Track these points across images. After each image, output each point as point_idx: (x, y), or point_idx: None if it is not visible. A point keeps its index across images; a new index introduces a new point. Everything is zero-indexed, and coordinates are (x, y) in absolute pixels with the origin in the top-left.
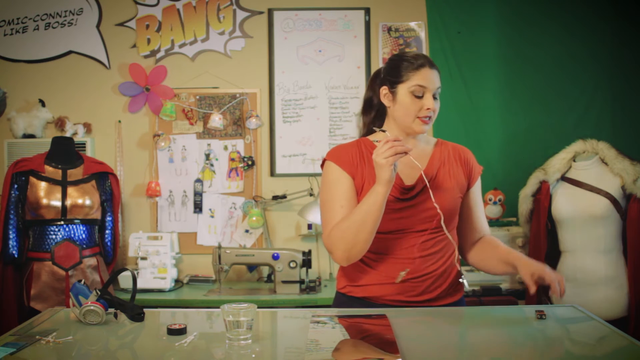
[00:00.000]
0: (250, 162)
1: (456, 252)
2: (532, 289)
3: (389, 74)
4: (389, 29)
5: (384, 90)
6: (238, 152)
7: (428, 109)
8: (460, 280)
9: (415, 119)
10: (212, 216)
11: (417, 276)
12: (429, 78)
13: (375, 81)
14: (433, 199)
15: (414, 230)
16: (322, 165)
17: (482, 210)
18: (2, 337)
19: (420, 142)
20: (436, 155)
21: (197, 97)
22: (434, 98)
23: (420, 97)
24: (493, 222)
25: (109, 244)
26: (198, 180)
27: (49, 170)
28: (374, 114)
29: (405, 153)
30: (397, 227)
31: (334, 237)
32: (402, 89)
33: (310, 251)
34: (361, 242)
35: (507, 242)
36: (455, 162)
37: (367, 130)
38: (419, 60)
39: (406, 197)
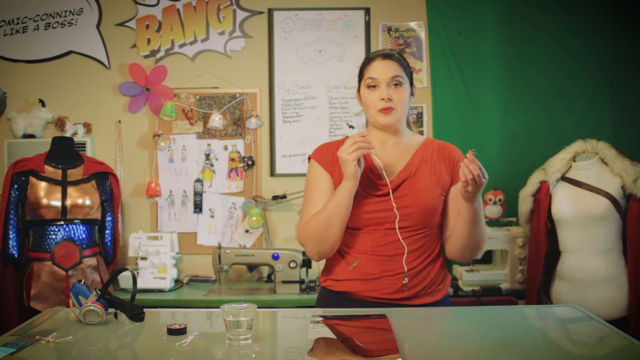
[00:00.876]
0: (250, 162)
1: (405, 254)
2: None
3: (358, 77)
4: (389, 29)
5: (357, 94)
6: (238, 152)
7: (382, 99)
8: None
9: (375, 111)
10: (212, 216)
11: (394, 274)
12: (380, 69)
13: None
14: (392, 200)
15: (392, 228)
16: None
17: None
18: (2, 337)
19: (404, 139)
20: (419, 153)
21: (197, 97)
22: (396, 86)
23: (375, 89)
24: (493, 222)
25: (109, 244)
26: (198, 180)
27: (49, 170)
28: None
29: (369, 150)
30: (374, 223)
31: (305, 232)
32: (362, 87)
33: None
34: (330, 237)
35: (507, 242)
36: (439, 160)
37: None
38: (372, 55)
39: (382, 193)
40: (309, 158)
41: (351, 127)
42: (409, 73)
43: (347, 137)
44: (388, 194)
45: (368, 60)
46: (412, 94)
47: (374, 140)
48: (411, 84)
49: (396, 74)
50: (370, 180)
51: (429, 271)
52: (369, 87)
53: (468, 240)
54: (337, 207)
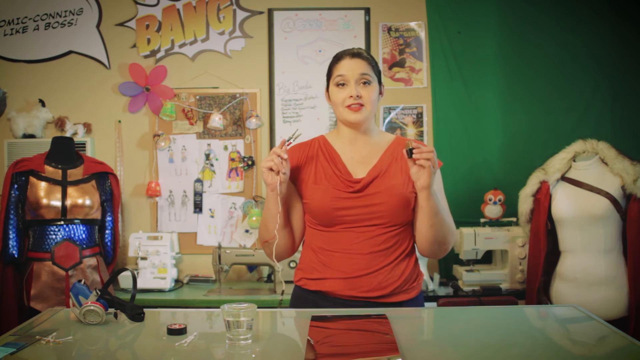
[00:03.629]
0: (250, 162)
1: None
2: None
3: (326, 76)
4: (389, 29)
5: (326, 93)
6: (238, 152)
7: (351, 96)
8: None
9: (343, 108)
10: (212, 216)
11: (369, 272)
12: (348, 67)
13: None
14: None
15: (364, 225)
16: None
17: (440, 203)
18: (2, 337)
19: (373, 137)
20: (389, 151)
21: (197, 97)
22: (364, 85)
23: (343, 87)
24: (493, 222)
25: (109, 244)
26: (198, 180)
27: (49, 170)
28: None
29: (278, 170)
30: (347, 221)
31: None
32: (331, 85)
33: None
34: (269, 241)
35: (507, 242)
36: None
37: None
38: (340, 53)
39: (353, 190)
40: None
41: (290, 139)
42: (378, 72)
43: (319, 136)
44: (359, 191)
45: (337, 58)
46: (380, 92)
47: (343, 138)
48: (379, 82)
49: (364, 72)
50: (341, 179)
51: (403, 268)
52: (337, 84)
53: (432, 231)
54: (267, 210)
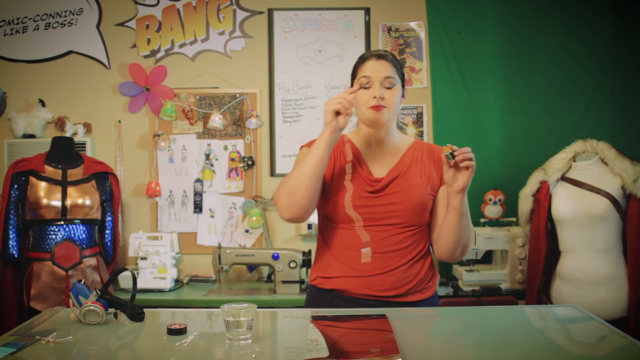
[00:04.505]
0: (250, 162)
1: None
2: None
3: (351, 76)
4: (389, 29)
5: None
6: (238, 152)
7: (375, 97)
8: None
9: (366, 109)
10: (212, 216)
11: (385, 271)
12: (374, 68)
13: None
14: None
15: (381, 224)
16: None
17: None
18: (2, 337)
19: (394, 140)
20: (409, 153)
21: (197, 97)
22: (388, 88)
23: (368, 88)
24: (493, 222)
25: (109, 244)
26: (198, 180)
27: (49, 170)
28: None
29: (347, 114)
30: (364, 219)
31: (279, 188)
32: (355, 85)
33: (310, 251)
34: (300, 186)
35: (507, 242)
36: (429, 160)
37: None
38: (366, 54)
39: (374, 189)
40: (301, 147)
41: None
42: (402, 75)
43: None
44: (379, 191)
45: (362, 59)
46: (403, 95)
47: (364, 137)
48: (403, 86)
49: (389, 75)
50: (363, 177)
51: (419, 268)
52: (362, 85)
53: (460, 234)
54: (311, 154)
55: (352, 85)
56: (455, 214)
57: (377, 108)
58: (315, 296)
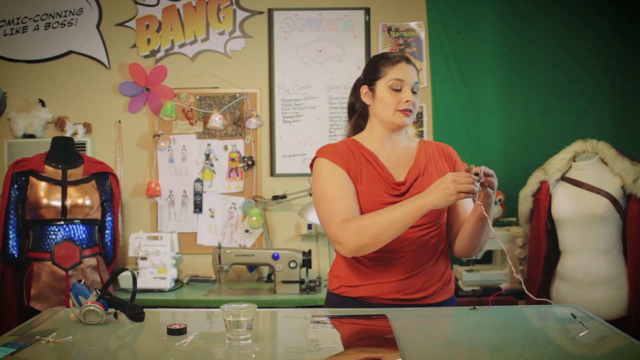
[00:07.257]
0: (250, 162)
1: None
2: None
3: (368, 73)
4: (389, 29)
5: (364, 90)
6: (238, 152)
7: (407, 101)
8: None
9: (395, 112)
10: (212, 216)
11: (415, 273)
12: (406, 72)
13: (356, 87)
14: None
15: (409, 226)
16: (311, 165)
17: (468, 203)
18: (2, 337)
19: (405, 140)
20: (422, 152)
21: (197, 97)
22: (413, 92)
23: (398, 91)
24: (493, 222)
25: (109, 244)
26: (198, 180)
27: (49, 170)
28: (356, 117)
29: (472, 193)
30: None
31: (349, 231)
32: (380, 85)
33: (310, 251)
34: (382, 242)
35: (507, 242)
36: (440, 158)
37: (352, 130)
38: (396, 57)
39: (397, 193)
40: (314, 159)
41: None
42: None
43: (345, 139)
44: (404, 194)
45: (391, 61)
46: None
47: (378, 139)
48: None
49: (417, 80)
50: (386, 180)
51: (444, 268)
52: (392, 88)
53: (483, 239)
54: (401, 218)
55: (371, 83)
56: (482, 222)
57: (407, 113)
58: (338, 305)
